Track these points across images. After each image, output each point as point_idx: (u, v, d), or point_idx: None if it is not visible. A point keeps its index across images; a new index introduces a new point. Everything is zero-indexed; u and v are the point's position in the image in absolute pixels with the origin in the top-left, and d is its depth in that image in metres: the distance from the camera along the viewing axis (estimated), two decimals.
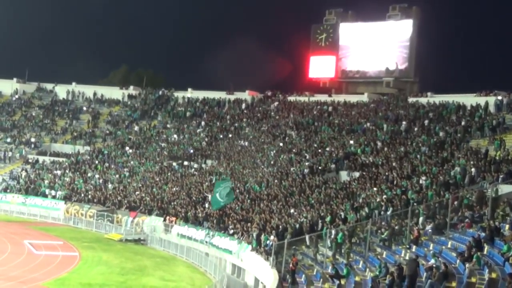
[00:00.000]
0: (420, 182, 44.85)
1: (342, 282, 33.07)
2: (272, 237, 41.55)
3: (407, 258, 34.27)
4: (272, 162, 60.47)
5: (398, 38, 76.96)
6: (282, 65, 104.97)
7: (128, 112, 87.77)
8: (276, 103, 79.36)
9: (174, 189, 60.92)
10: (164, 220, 55.17)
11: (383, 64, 77.82)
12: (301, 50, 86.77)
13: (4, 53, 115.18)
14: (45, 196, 67.99)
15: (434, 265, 29.17)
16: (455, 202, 38.62)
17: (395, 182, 46.39)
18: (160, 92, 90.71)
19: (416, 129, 58.63)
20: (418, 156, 50.91)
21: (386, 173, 48.87)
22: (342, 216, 42.65)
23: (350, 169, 53.91)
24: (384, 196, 43.72)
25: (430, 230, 37.33)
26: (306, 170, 55.44)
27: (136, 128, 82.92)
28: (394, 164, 50.62)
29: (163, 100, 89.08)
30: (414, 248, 35.41)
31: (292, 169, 57.18)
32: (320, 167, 55.62)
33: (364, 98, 74.16)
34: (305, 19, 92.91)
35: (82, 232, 59.79)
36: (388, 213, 41.44)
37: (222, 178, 56.50)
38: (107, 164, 72.99)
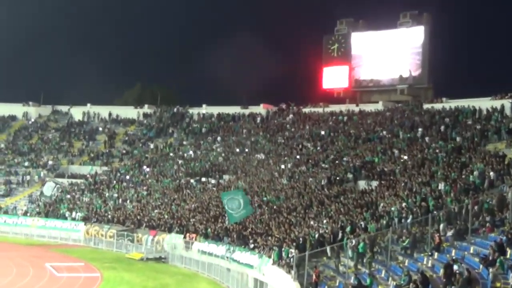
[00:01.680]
0: (439, 188, 44.64)
1: None
2: (292, 250, 41.43)
3: (429, 265, 34.17)
4: (289, 174, 60.40)
5: (410, 45, 76.95)
6: (296, 77, 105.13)
7: (143, 131, 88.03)
8: (291, 116, 79.34)
9: (193, 205, 60.92)
10: (184, 237, 55.14)
11: (396, 71, 77.81)
12: (314, 61, 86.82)
13: (18, 78, 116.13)
14: (64, 218, 68.19)
15: (457, 271, 29.01)
16: (475, 207, 38.36)
17: (414, 190, 46.17)
18: (175, 109, 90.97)
19: (432, 135, 58.40)
20: (436, 162, 50.69)
21: (405, 181, 48.69)
22: (362, 226, 42.51)
23: (368, 178, 53.74)
24: (404, 204, 43.53)
25: (451, 236, 37.12)
26: (324, 181, 55.34)
27: (152, 146, 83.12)
28: (412, 171, 50.41)
29: (178, 117, 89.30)
30: (436, 255, 35.23)
31: (310, 180, 57.09)
32: (338, 178, 55.50)
33: (379, 106, 74.05)
34: (316, 30, 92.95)
35: (103, 253, 59.89)
36: (408, 220, 41.22)
37: (227, 191, 55.43)
38: (125, 184, 73.14)
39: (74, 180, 78.21)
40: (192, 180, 68.38)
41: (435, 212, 40.15)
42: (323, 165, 60.12)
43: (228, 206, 48.47)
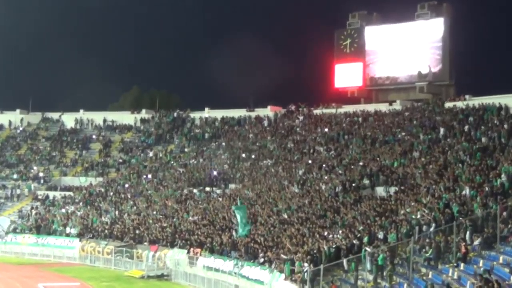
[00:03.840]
0: (464, 193, 44.58)
1: None
2: (306, 264, 41.43)
3: (455, 277, 34.11)
4: (301, 182, 60.38)
5: (429, 38, 76.88)
6: (306, 76, 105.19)
7: (141, 138, 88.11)
8: (301, 118, 79.28)
9: (197, 217, 60.91)
10: (188, 252, 55.16)
11: (414, 68, 77.73)
12: (325, 58, 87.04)
13: (5, 83, 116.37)
14: (58, 234, 68.21)
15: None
16: (504, 213, 38.32)
17: (436, 195, 46.13)
18: (175, 114, 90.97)
19: (455, 136, 58.32)
20: (460, 165, 50.62)
21: (426, 186, 48.63)
22: (381, 236, 42.48)
23: (386, 184, 53.74)
24: (426, 211, 43.47)
25: (478, 245, 37.05)
26: (338, 188, 55.32)
27: (151, 154, 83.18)
28: (434, 175, 50.35)
29: (178, 123, 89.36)
30: (462, 266, 35.18)
31: (323, 187, 57.06)
32: (353, 184, 55.48)
33: (397, 106, 73.93)
34: (327, 24, 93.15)
35: (100, 271, 59.93)
36: (431, 229, 41.18)
37: (239, 203, 55.46)
38: (122, 196, 73.14)
39: (67, 193, 78.27)
40: (195, 190, 68.41)
41: (460, 219, 40.10)
42: (337, 170, 60.10)
43: (242, 218, 48.88)
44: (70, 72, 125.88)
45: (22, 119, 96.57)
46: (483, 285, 28.97)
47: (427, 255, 38.39)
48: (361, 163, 59.66)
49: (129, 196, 72.44)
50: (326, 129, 72.51)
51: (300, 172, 63.05)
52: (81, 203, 74.15)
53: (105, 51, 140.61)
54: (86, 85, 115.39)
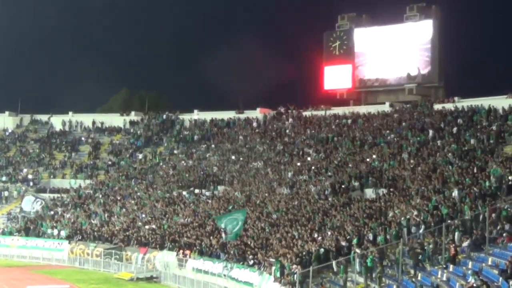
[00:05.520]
0: (453, 195, 44.62)
1: None
2: (295, 266, 41.38)
3: (444, 279, 34.13)
4: (290, 184, 60.34)
5: (418, 40, 76.98)
6: (295, 78, 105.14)
7: (131, 140, 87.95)
8: (290, 120, 79.31)
9: (186, 219, 60.81)
10: (177, 254, 55.05)
11: (404, 69, 77.84)
12: (314, 60, 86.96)
13: None
14: (47, 236, 67.97)
15: (474, 285, 28.98)
16: (493, 215, 38.38)
17: (425, 197, 46.15)
18: (164, 116, 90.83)
19: (444, 137, 58.38)
20: (449, 167, 50.67)
21: (415, 188, 48.66)
22: (371, 237, 42.49)
23: (375, 186, 53.73)
24: (415, 213, 43.50)
25: (467, 247, 37.10)
26: (327, 190, 55.31)
27: (141, 156, 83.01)
28: (423, 177, 50.38)
29: (168, 125, 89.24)
30: (451, 267, 35.21)
31: (312, 189, 57.04)
32: (342, 186, 55.47)
33: (386, 107, 74.00)
34: (316, 26, 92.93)
35: (89, 273, 59.77)
36: (421, 231, 41.23)
37: (226, 212, 55.17)
38: (111, 198, 72.95)
39: (56, 195, 78.01)
40: (184, 192, 68.27)
41: (449, 221, 40.15)
42: (326, 172, 60.08)
43: (227, 227, 48.69)
44: (59, 74, 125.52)
45: (21, 119, 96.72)
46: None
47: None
48: (350, 165, 59.71)
49: (118, 198, 72.25)
50: (315, 131, 72.52)
51: (290, 174, 63.00)
52: (70, 205, 73.93)
53: (94, 53, 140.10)
54: (76, 87, 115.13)
